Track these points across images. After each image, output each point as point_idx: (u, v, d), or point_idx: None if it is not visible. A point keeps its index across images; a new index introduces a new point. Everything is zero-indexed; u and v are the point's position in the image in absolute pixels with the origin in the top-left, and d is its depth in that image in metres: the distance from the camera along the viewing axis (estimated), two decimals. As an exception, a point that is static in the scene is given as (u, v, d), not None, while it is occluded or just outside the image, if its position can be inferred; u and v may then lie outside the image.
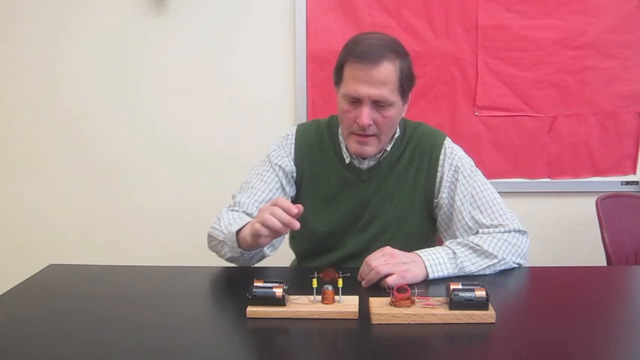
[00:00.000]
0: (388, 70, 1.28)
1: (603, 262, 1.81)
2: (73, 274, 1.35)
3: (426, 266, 1.23)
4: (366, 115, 1.29)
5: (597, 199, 1.88)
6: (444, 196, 1.40)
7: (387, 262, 1.19)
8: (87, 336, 0.99)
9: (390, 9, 2.19)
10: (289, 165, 1.45)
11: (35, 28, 2.26)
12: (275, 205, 1.14)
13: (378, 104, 1.30)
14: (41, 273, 1.33)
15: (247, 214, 1.37)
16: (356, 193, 1.42)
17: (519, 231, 1.34)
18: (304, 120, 2.20)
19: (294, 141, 1.47)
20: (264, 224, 1.12)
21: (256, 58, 2.26)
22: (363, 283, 1.20)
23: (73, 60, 2.27)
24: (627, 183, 2.30)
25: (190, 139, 2.31)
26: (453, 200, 1.39)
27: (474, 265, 1.27)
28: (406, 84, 1.34)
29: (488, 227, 1.34)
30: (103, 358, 0.91)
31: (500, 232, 1.32)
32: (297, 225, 1.12)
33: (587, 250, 1.96)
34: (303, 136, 1.48)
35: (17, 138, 2.33)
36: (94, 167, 2.34)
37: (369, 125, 1.31)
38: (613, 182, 2.29)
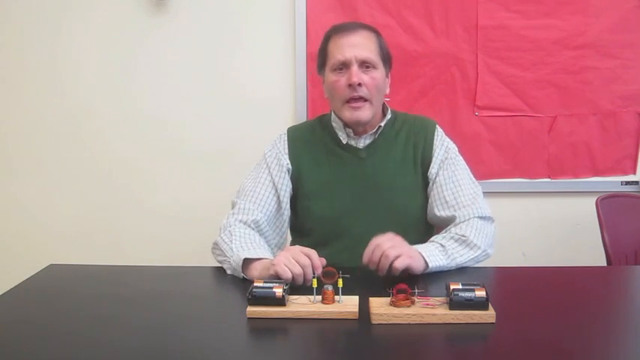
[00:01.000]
0: (368, 35, 1.43)
1: (603, 262, 1.81)
2: (73, 274, 1.36)
3: (423, 256, 1.26)
4: (355, 73, 1.38)
5: (597, 199, 1.88)
6: (433, 171, 1.47)
7: (393, 244, 1.22)
8: (87, 336, 0.99)
9: (390, 9, 2.19)
10: (284, 159, 1.50)
11: (35, 27, 2.25)
12: (308, 256, 1.18)
13: (364, 65, 1.40)
14: (41, 273, 1.34)
15: (255, 221, 1.40)
16: (356, 172, 1.47)
17: (489, 218, 1.42)
18: (304, 119, 2.20)
19: (286, 139, 1.54)
20: (293, 272, 1.15)
21: (256, 58, 2.26)
22: (379, 272, 1.21)
23: (73, 59, 2.27)
24: (627, 183, 2.29)
25: (190, 138, 2.31)
26: (438, 175, 1.47)
27: (462, 257, 1.32)
28: (386, 55, 1.46)
29: (464, 206, 1.40)
30: (103, 358, 0.91)
31: (474, 216, 1.39)
32: (308, 284, 1.16)
33: (587, 250, 1.95)
34: (295, 132, 1.56)
35: (17, 138, 2.33)
36: (94, 167, 2.33)
37: (360, 85, 1.39)
38: (613, 182, 2.29)
